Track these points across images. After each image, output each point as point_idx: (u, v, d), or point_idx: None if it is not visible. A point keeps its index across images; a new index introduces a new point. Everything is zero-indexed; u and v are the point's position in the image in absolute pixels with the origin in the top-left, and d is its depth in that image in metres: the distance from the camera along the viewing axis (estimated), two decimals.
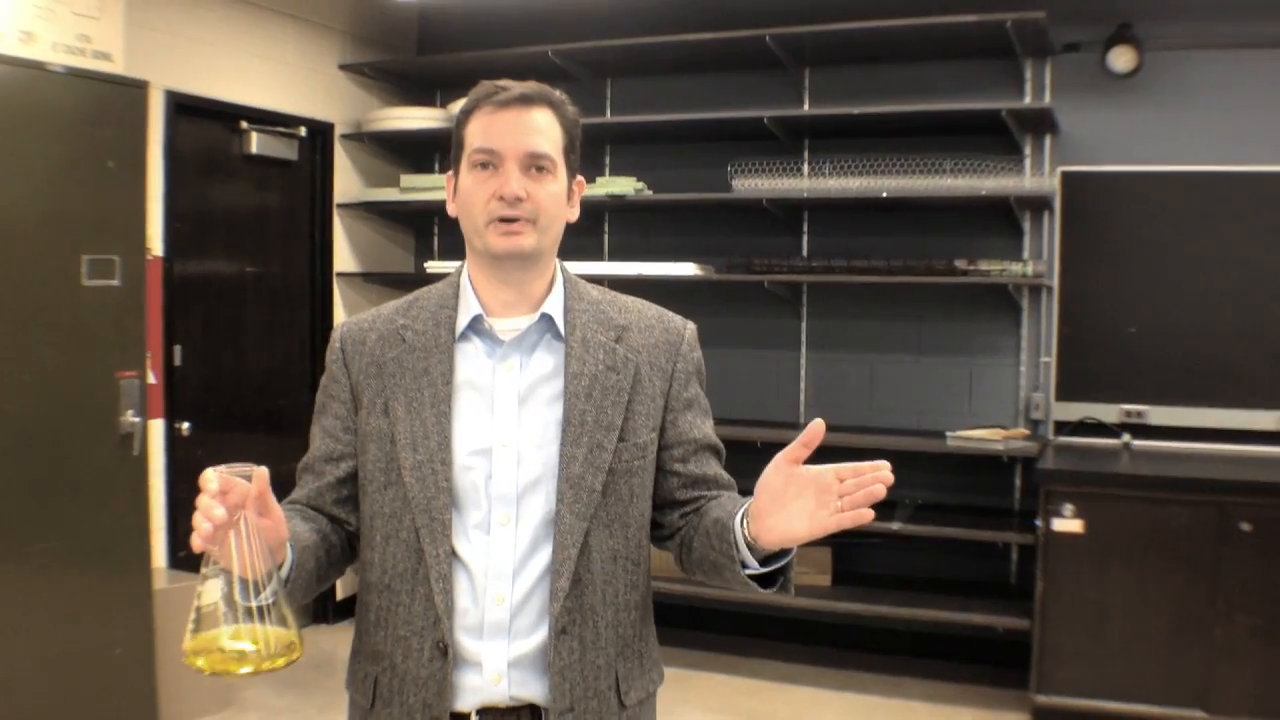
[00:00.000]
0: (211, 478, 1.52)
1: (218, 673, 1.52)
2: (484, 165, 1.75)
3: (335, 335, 1.90)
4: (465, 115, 1.78)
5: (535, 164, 1.74)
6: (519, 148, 1.73)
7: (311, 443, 1.90)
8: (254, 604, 1.52)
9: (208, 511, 1.50)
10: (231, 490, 1.52)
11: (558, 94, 1.81)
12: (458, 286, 1.85)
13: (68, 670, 4.03)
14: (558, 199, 1.78)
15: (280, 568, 1.60)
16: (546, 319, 1.81)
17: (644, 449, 1.81)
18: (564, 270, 1.88)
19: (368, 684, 1.81)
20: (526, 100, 1.75)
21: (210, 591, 1.53)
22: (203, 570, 1.54)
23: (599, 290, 1.90)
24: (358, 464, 1.84)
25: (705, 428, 1.89)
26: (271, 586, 1.54)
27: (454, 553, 1.75)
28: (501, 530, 1.75)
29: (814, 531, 1.60)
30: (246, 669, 1.52)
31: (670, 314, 1.92)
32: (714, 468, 1.90)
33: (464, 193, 1.78)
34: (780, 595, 1.75)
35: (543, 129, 1.75)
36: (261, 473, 1.56)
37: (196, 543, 1.51)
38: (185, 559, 5.12)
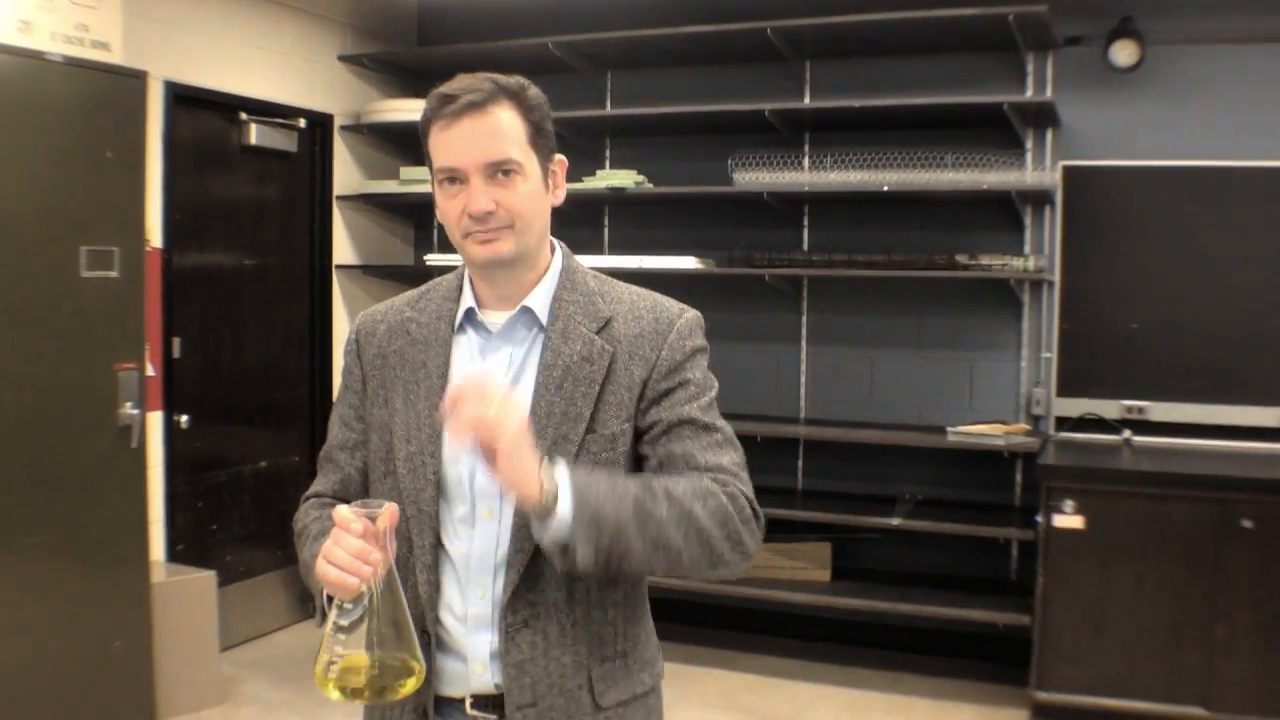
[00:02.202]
0: (352, 518, 1.56)
1: (348, 700, 1.59)
2: (451, 181, 1.73)
3: (352, 326, 1.94)
4: (425, 128, 1.76)
5: (500, 170, 1.71)
6: (478, 160, 1.70)
7: (330, 430, 1.94)
8: (382, 634, 1.57)
9: (364, 555, 1.55)
10: (364, 530, 1.58)
11: (514, 81, 1.75)
12: (462, 279, 1.86)
13: (66, 663, 4.01)
14: (531, 197, 1.74)
15: None
16: (529, 312, 1.80)
17: (614, 440, 1.76)
18: (566, 258, 1.86)
19: None
20: (477, 105, 1.69)
21: (339, 623, 1.58)
22: (335, 601, 1.59)
23: (599, 281, 1.87)
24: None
25: (685, 409, 1.76)
26: (398, 615, 1.59)
27: (440, 544, 1.76)
28: (485, 525, 1.75)
29: (492, 463, 1.54)
30: (375, 698, 1.60)
31: (668, 303, 1.85)
32: (688, 445, 1.75)
33: (439, 208, 1.77)
34: (580, 564, 1.59)
35: (502, 130, 1.70)
36: (392, 510, 1.59)
37: (350, 583, 1.55)
38: (183, 552, 5.12)
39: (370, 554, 1.55)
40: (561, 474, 1.58)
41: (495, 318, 1.81)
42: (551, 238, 1.86)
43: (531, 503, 1.56)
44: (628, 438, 1.77)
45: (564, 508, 1.56)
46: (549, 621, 1.72)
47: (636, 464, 1.80)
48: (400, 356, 1.83)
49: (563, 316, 1.79)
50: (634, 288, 1.89)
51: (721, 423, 1.82)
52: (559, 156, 1.82)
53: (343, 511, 1.57)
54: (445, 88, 1.72)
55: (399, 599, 1.60)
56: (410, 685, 1.59)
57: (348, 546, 1.55)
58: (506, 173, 1.71)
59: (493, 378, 1.61)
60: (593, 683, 1.76)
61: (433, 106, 1.73)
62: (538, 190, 1.76)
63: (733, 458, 1.78)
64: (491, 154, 1.70)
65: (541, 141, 1.76)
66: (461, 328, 1.83)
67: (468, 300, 1.82)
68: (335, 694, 1.57)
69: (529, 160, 1.73)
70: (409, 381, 1.81)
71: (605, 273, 1.91)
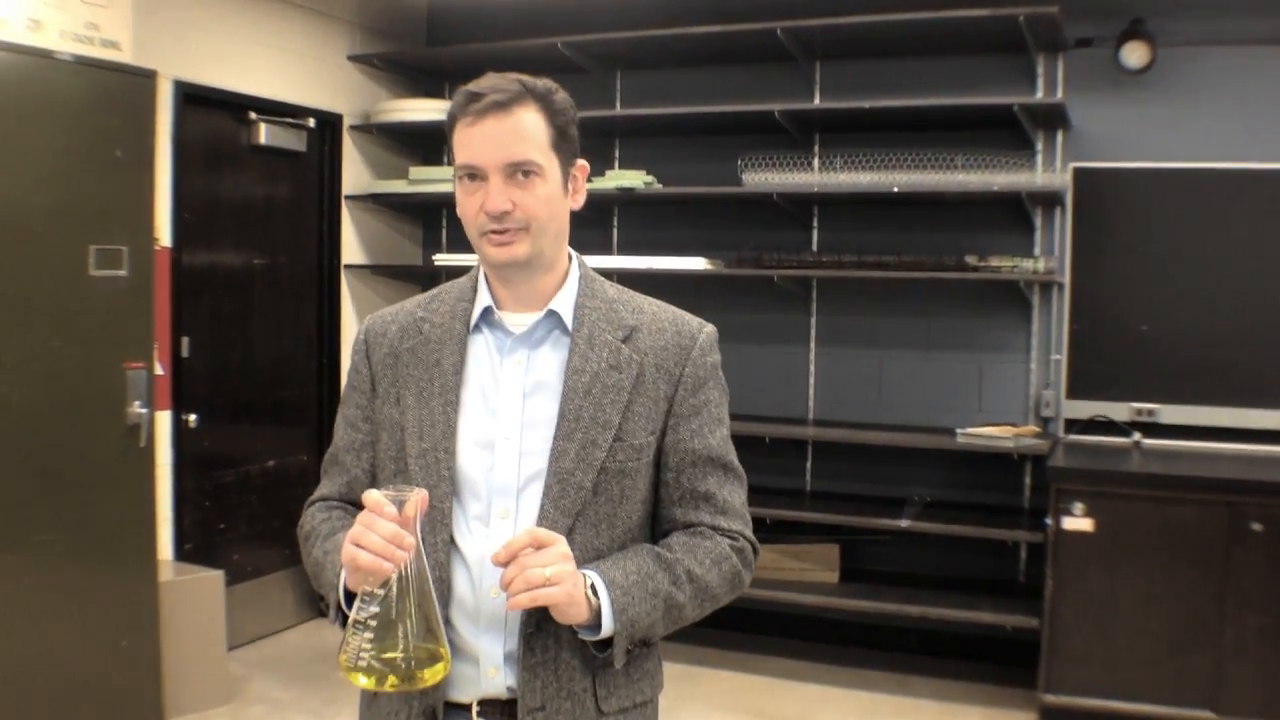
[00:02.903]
0: (385, 501, 1.57)
1: (374, 689, 1.60)
2: (470, 177, 1.73)
3: (361, 328, 1.93)
4: (450, 125, 1.76)
5: (519, 170, 1.71)
6: (498, 159, 1.70)
7: (335, 434, 1.93)
8: (410, 623, 1.58)
9: (399, 540, 1.56)
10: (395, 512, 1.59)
11: (542, 83, 1.75)
12: (476, 280, 1.86)
13: (73, 661, 4.02)
14: (548, 200, 1.74)
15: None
16: (555, 315, 1.81)
17: (640, 451, 1.78)
18: (582, 266, 1.87)
19: None
20: (502, 106, 1.69)
21: (368, 611, 1.59)
22: (363, 589, 1.59)
23: (616, 289, 1.89)
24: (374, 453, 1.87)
25: (710, 439, 1.83)
26: (426, 604, 1.60)
27: (453, 542, 1.76)
28: (501, 523, 1.75)
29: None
30: (400, 686, 1.60)
31: (687, 317, 1.88)
32: (710, 484, 1.83)
33: (458, 204, 1.78)
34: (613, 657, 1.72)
35: (525, 132, 1.71)
36: (422, 496, 1.61)
37: (384, 568, 1.56)
38: (191, 551, 5.12)
39: (404, 538, 1.56)
40: (602, 593, 1.67)
41: (515, 319, 1.81)
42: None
43: (580, 624, 1.68)
44: (652, 449, 1.80)
45: (606, 625, 1.68)
46: (560, 625, 1.72)
47: (656, 471, 1.83)
48: (413, 355, 1.83)
49: (587, 323, 1.80)
50: (650, 298, 1.90)
51: (734, 456, 1.89)
52: (581, 162, 1.82)
53: (374, 495, 1.57)
54: (473, 85, 1.73)
55: (427, 587, 1.60)
56: (438, 673, 1.60)
57: (381, 530, 1.55)
58: (526, 174, 1.71)
59: (547, 535, 1.64)
60: (596, 686, 1.77)
61: (459, 103, 1.73)
62: (556, 194, 1.76)
63: (741, 496, 1.89)
64: (512, 154, 1.70)
65: (565, 146, 1.76)
66: (478, 327, 1.83)
67: (484, 300, 1.82)
68: (363, 681, 1.58)
69: (550, 163, 1.74)
70: (422, 379, 1.80)
71: (614, 274, 1.91)
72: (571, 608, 1.63)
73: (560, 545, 1.63)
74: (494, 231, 1.73)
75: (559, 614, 1.64)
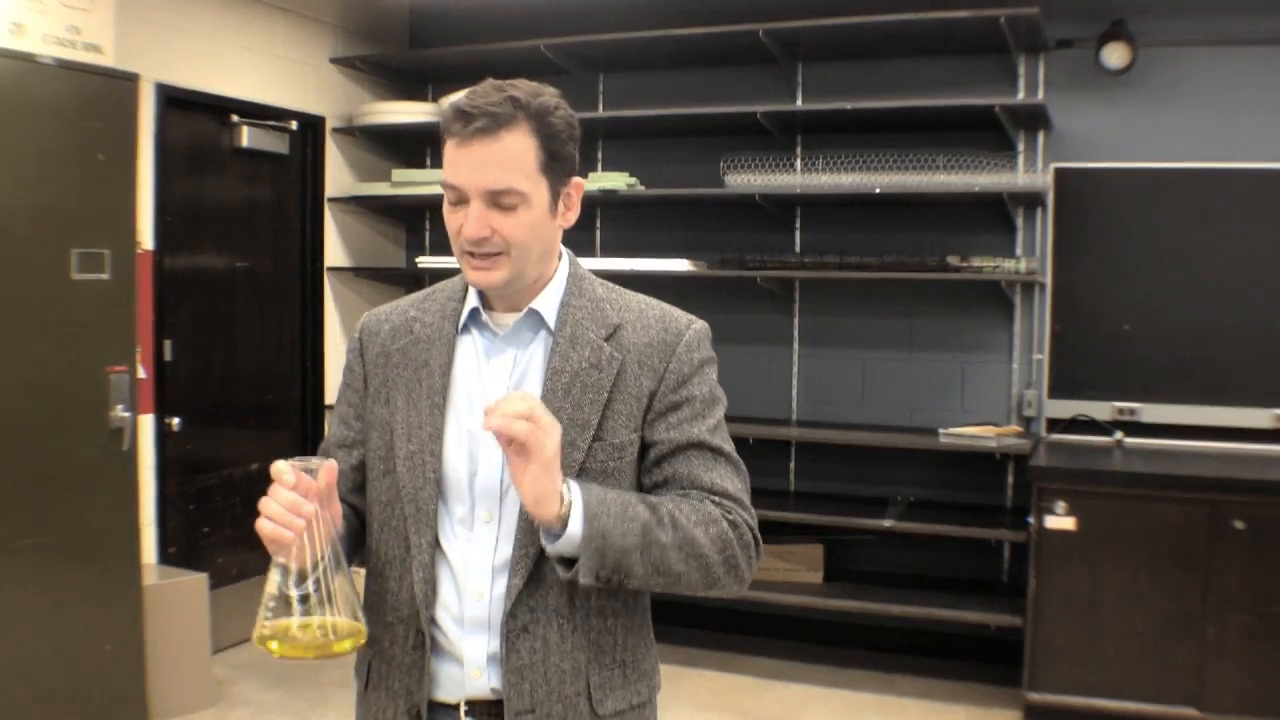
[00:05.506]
0: (285, 470, 1.57)
1: (287, 657, 1.59)
2: (455, 200, 1.70)
3: (358, 325, 1.93)
4: (442, 136, 1.72)
5: (500, 197, 1.67)
6: (479, 186, 1.66)
7: (328, 429, 1.96)
8: (322, 593, 1.58)
9: (297, 508, 1.56)
10: (300, 484, 1.58)
11: (539, 101, 1.68)
12: (467, 281, 1.84)
13: (57, 665, 4.00)
14: (532, 225, 1.70)
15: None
16: (537, 315, 1.79)
17: (621, 450, 1.76)
18: (573, 264, 1.85)
19: (363, 667, 1.86)
20: (489, 131, 1.64)
21: (279, 581, 1.58)
22: (276, 560, 1.59)
23: (606, 288, 1.86)
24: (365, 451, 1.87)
25: (693, 429, 1.78)
26: (338, 575, 1.60)
27: (438, 544, 1.75)
28: (484, 527, 1.74)
29: (513, 473, 1.58)
30: (313, 654, 1.59)
31: (676, 314, 1.85)
32: (695, 467, 1.77)
33: (445, 216, 1.75)
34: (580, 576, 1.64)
35: (509, 159, 1.65)
36: (330, 466, 1.62)
37: (284, 535, 1.55)
38: (175, 555, 5.10)
39: (302, 506, 1.56)
40: (575, 494, 1.61)
41: (501, 319, 1.80)
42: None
43: (546, 519, 1.60)
44: (634, 447, 1.77)
45: (574, 528, 1.60)
46: (549, 627, 1.72)
47: (641, 473, 1.80)
48: (403, 355, 1.82)
49: (570, 322, 1.78)
50: (641, 296, 1.88)
51: (729, 446, 1.83)
52: (576, 180, 1.77)
53: (278, 465, 1.58)
54: (465, 101, 1.67)
55: (339, 558, 1.60)
56: (349, 645, 1.60)
57: (281, 499, 1.56)
58: (509, 203, 1.68)
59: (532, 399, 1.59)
60: (590, 690, 1.76)
61: (448, 118, 1.68)
62: (540, 218, 1.71)
63: (737, 483, 1.80)
64: (493, 183, 1.66)
65: (556, 166, 1.71)
66: (466, 328, 1.82)
67: (473, 301, 1.81)
68: (274, 648, 1.58)
69: (535, 188, 1.69)
70: (411, 380, 1.80)
71: (597, 275, 1.90)
72: (547, 477, 1.57)
73: (557, 431, 1.59)
74: (470, 254, 1.71)
75: (531, 499, 1.58)
